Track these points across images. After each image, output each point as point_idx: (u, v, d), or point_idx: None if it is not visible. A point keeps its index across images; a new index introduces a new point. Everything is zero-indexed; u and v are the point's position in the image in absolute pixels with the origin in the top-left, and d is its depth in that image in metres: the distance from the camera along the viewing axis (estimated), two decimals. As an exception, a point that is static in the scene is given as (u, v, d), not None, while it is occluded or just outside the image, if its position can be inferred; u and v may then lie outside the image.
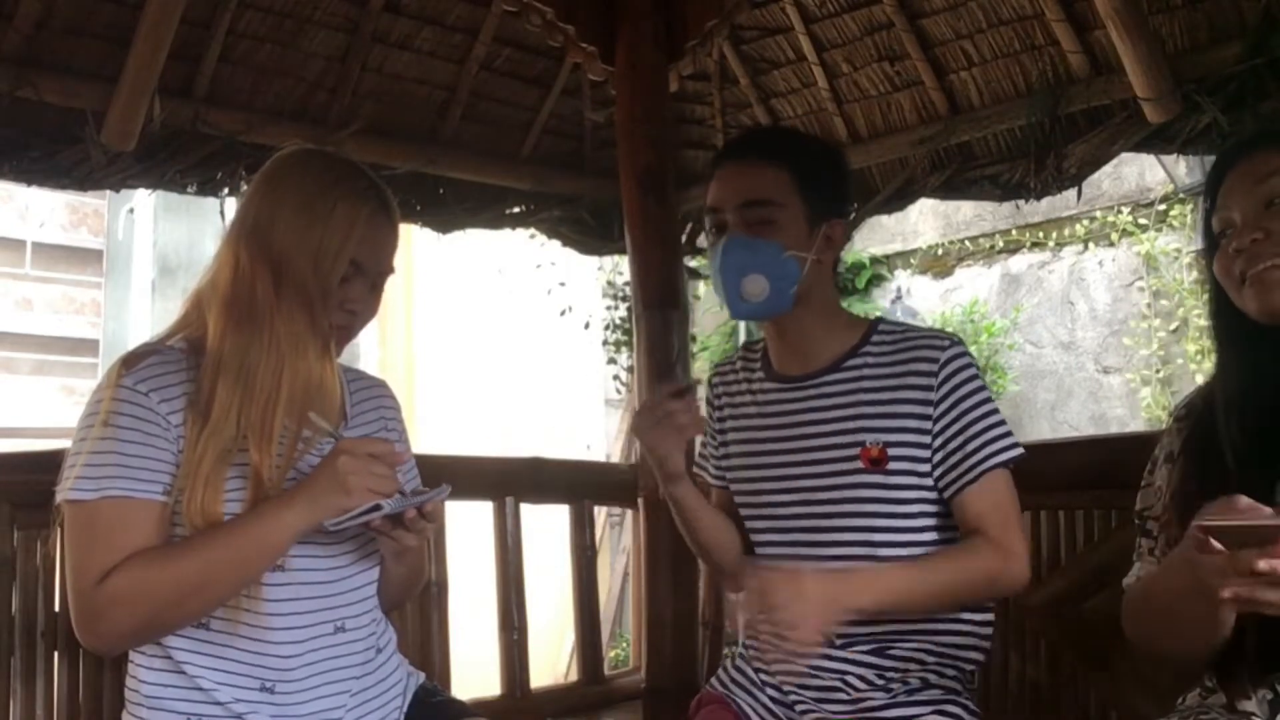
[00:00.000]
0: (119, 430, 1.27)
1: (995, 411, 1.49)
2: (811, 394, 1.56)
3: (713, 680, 1.66)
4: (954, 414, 1.47)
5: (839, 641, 1.49)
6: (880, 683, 1.48)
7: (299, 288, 1.33)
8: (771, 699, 1.55)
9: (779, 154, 1.54)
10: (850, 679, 1.48)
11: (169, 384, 1.30)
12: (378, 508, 1.29)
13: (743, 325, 5.69)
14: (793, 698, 1.52)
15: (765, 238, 1.50)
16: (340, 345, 1.42)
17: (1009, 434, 1.48)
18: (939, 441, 1.47)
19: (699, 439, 1.74)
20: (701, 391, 1.69)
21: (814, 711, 1.49)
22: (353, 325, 1.42)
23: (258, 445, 1.29)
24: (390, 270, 1.45)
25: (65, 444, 1.34)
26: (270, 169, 1.41)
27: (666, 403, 1.48)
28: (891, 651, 1.49)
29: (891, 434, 1.48)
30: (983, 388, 1.50)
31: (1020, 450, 1.49)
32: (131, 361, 1.31)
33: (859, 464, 1.49)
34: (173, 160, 2.31)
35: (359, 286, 1.40)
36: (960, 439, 1.46)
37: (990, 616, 1.54)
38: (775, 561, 1.58)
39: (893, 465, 1.48)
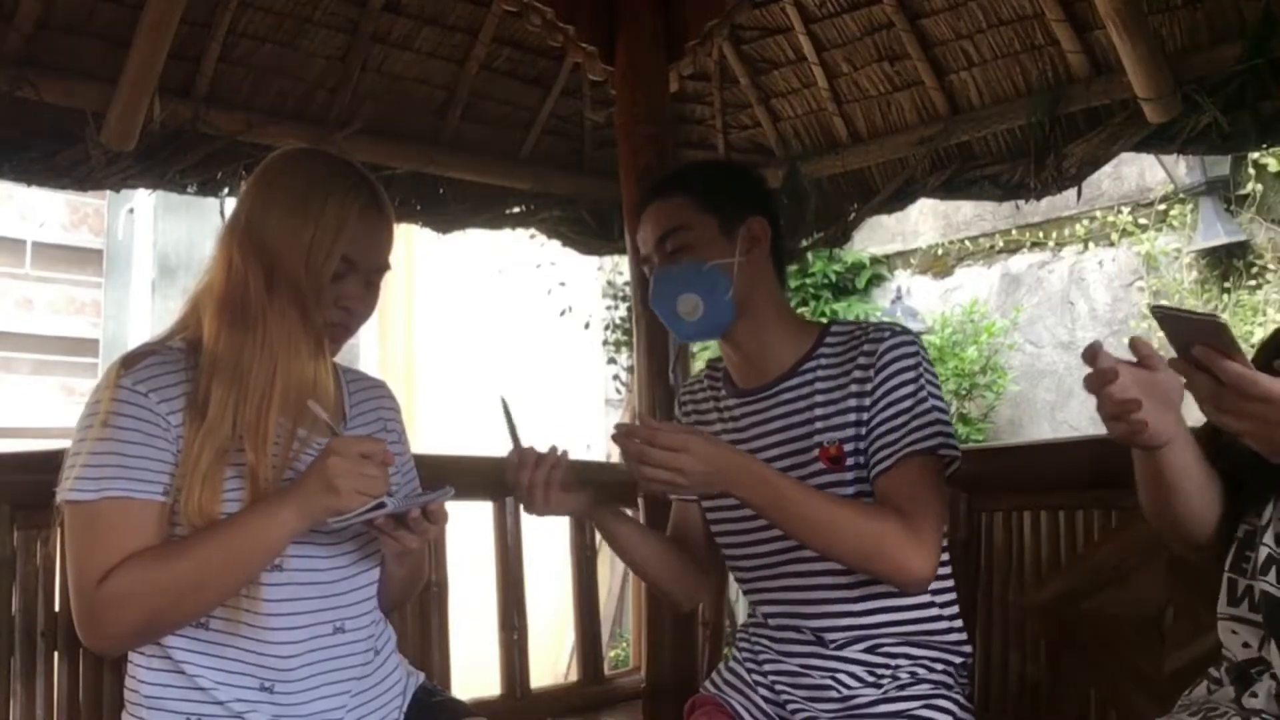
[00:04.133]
0: (119, 431, 1.27)
1: (925, 400, 1.48)
2: (770, 403, 1.58)
3: (706, 683, 1.67)
4: (883, 401, 1.48)
5: (830, 642, 1.51)
6: (870, 679, 1.49)
7: (291, 286, 1.33)
8: (764, 699, 1.56)
9: (673, 187, 1.63)
10: (840, 676, 1.49)
11: (168, 384, 1.31)
12: (381, 505, 1.29)
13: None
14: (785, 697, 1.53)
15: (684, 259, 1.56)
16: (337, 344, 1.42)
17: (935, 423, 1.47)
18: (867, 430, 1.48)
19: None
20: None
21: (805, 710, 1.51)
22: (349, 323, 1.42)
23: (253, 445, 1.29)
24: (385, 267, 1.45)
25: (65, 444, 1.34)
26: (263, 169, 1.42)
27: (518, 477, 1.47)
28: (881, 649, 1.50)
29: (843, 430, 1.50)
30: (918, 377, 1.49)
31: (940, 441, 1.47)
32: (130, 362, 1.31)
33: (819, 464, 1.51)
34: (173, 160, 2.31)
35: (353, 284, 1.39)
36: (886, 425, 1.47)
37: (950, 584, 1.55)
38: (760, 574, 1.60)
39: (850, 461, 1.49)
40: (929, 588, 1.51)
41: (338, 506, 1.26)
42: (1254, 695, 1.14)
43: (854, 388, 1.50)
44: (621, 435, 1.35)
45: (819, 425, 1.52)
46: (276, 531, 1.27)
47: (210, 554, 1.26)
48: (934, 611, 1.52)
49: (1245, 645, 1.17)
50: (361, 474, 1.26)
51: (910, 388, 1.48)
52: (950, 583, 1.57)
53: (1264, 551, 1.14)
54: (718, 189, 1.60)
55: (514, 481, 1.48)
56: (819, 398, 1.53)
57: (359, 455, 1.27)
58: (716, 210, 1.57)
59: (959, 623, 1.55)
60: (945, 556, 1.57)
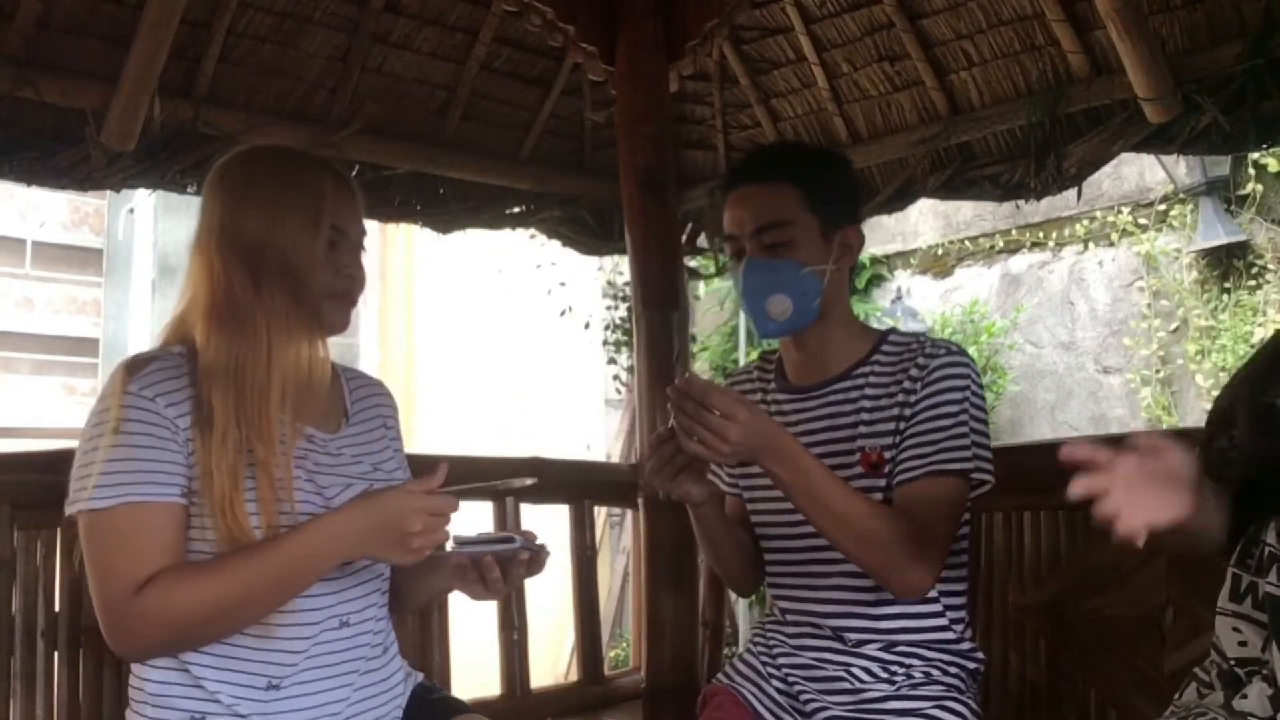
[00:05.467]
0: (131, 437, 1.28)
1: (965, 423, 1.48)
2: (818, 401, 1.59)
3: (719, 675, 1.69)
4: (924, 415, 1.48)
5: (848, 640, 1.52)
6: (884, 675, 1.50)
7: (281, 271, 1.34)
8: (778, 690, 1.58)
9: (785, 173, 1.57)
10: (854, 670, 1.51)
11: (173, 389, 1.31)
12: (511, 540, 1.39)
13: (743, 326, 5.69)
14: (798, 688, 1.55)
15: (783, 257, 1.53)
16: (346, 315, 1.44)
17: (971, 446, 1.48)
18: (901, 439, 1.49)
19: None
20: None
21: (817, 702, 1.52)
22: (352, 291, 1.44)
23: (261, 441, 1.30)
24: (364, 231, 1.48)
25: (66, 444, 1.34)
26: (222, 176, 1.42)
27: (660, 448, 1.43)
28: (896, 648, 1.51)
29: (885, 438, 1.50)
30: (964, 399, 1.49)
31: (975, 465, 1.47)
32: (135, 368, 1.32)
33: (858, 468, 1.51)
34: (173, 160, 2.31)
35: (348, 250, 1.43)
36: (920, 438, 1.47)
37: (964, 599, 1.56)
38: (786, 570, 1.61)
39: (888, 469, 1.50)
40: (945, 601, 1.53)
41: (404, 560, 1.31)
42: (1244, 697, 1.13)
43: (900, 397, 1.50)
44: (676, 394, 1.33)
45: (863, 430, 1.53)
46: (326, 563, 1.31)
47: (253, 579, 1.27)
48: (947, 620, 1.53)
49: (1242, 644, 1.17)
50: (436, 531, 1.29)
51: (953, 408, 1.48)
52: (964, 599, 1.58)
53: (1266, 550, 1.14)
54: (827, 188, 1.57)
55: (649, 450, 1.46)
56: (866, 403, 1.54)
57: (435, 513, 1.29)
58: (821, 211, 1.55)
59: (969, 632, 1.57)
60: (964, 573, 1.58)
